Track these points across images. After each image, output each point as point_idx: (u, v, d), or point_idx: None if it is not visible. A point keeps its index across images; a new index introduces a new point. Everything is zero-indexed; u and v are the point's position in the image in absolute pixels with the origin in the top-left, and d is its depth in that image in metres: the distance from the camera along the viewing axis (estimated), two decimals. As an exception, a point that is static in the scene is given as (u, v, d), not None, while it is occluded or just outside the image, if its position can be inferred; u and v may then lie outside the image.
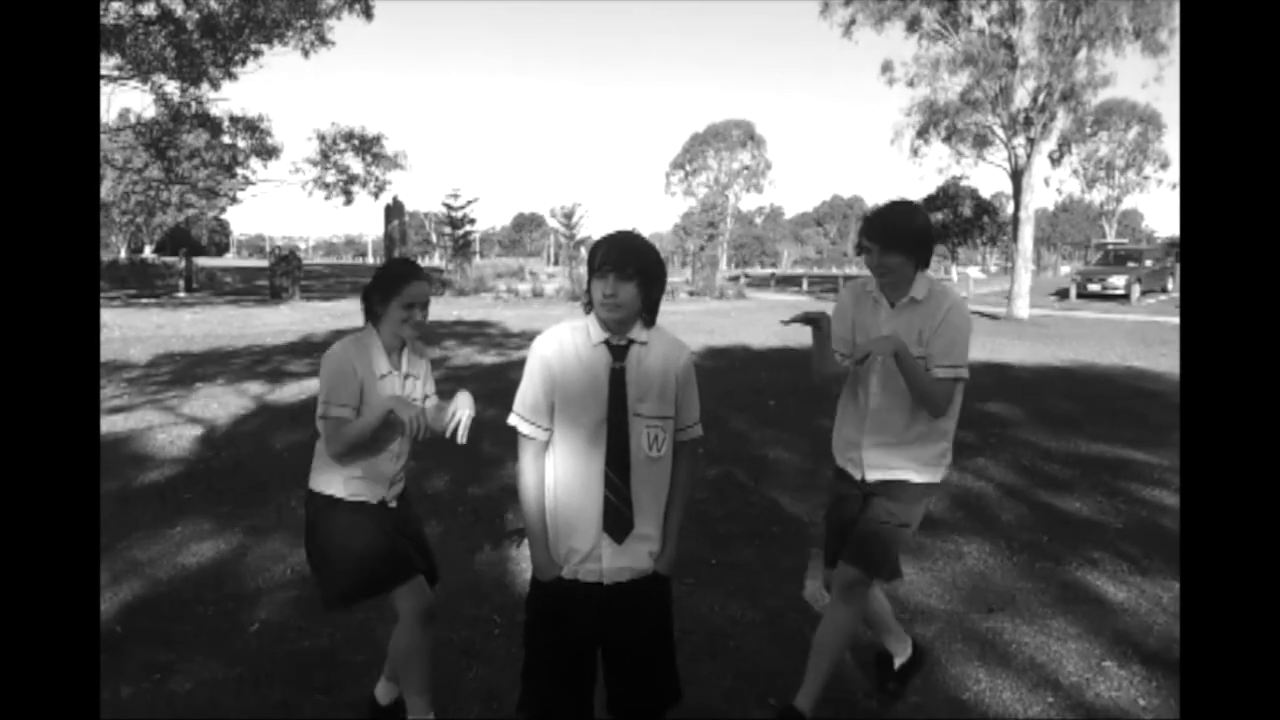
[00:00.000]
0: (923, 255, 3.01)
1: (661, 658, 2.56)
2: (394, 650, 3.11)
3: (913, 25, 24.69)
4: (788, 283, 45.36)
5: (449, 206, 42.23)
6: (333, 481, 3.05)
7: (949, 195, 49.17)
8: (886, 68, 25.63)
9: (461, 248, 41.98)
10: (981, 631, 4.08)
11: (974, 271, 49.40)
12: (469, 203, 42.38)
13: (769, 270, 74.47)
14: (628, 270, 2.35)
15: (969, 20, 23.89)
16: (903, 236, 2.96)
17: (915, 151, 26.98)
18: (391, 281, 2.96)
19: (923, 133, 26.22)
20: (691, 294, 32.17)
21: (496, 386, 10.50)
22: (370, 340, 2.99)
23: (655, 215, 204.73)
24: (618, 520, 2.43)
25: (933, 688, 3.57)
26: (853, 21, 24.94)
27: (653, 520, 2.48)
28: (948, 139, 26.18)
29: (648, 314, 2.46)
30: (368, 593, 3.07)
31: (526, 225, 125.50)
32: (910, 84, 25.21)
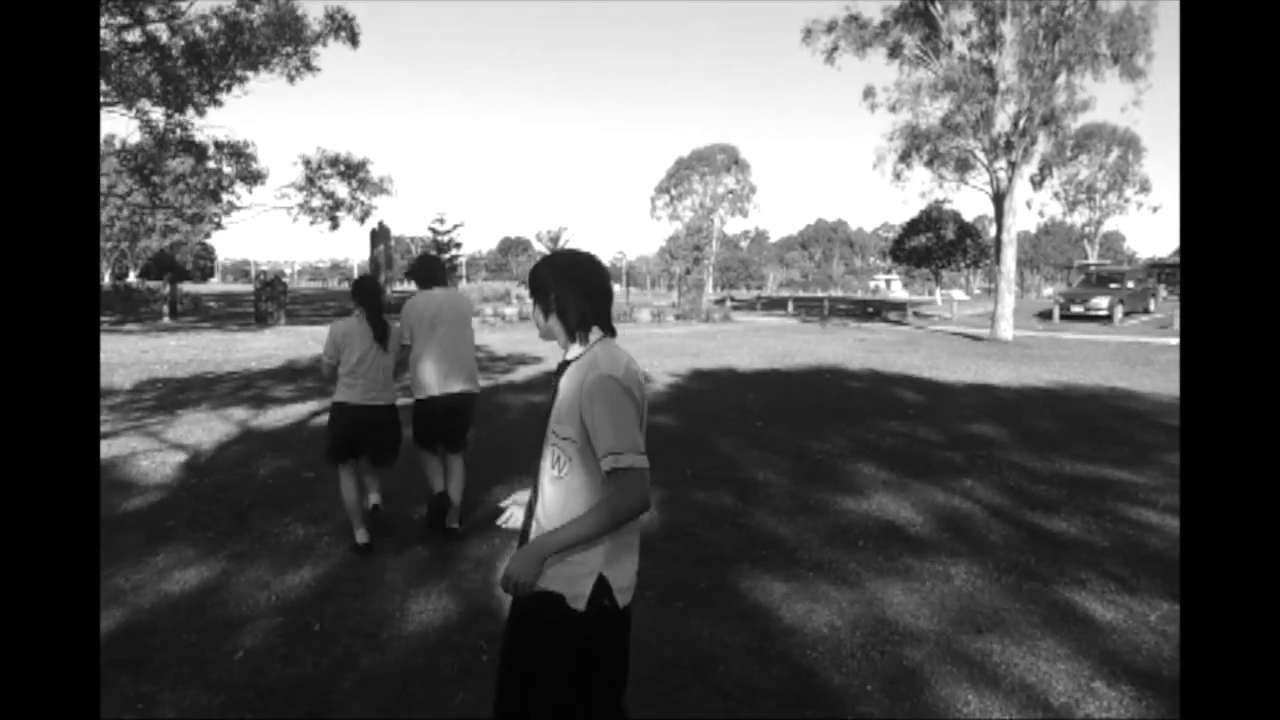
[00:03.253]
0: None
1: (531, 674, 2.38)
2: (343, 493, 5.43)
3: (894, 52, 25.01)
4: (774, 305, 45.54)
5: (435, 231, 42.42)
6: (337, 392, 5.47)
7: (932, 219, 49.62)
8: (869, 93, 25.92)
9: (448, 272, 42.09)
10: (970, 653, 4.07)
11: (957, 294, 49.80)
12: (455, 227, 42.61)
13: (754, 293, 74.80)
14: (531, 289, 2.48)
15: (950, 46, 24.21)
16: None
17: (898, 175, 27.22)
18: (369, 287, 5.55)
19: (905, 157, 26.47)
20: (678, 317, 32.30)
21: (482, 410, 10.47)
22: (361, 317, 5.42)
23: (641, 239, 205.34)
24: (524, 534, 2.47)
25: (922, 709, 3.56)
26: (835, 48, 25.27)
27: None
28: (930, 163, 26.45)
29: (576, 331, 2.40)
30: (340, 456, 5.40)
31: (512, 249, 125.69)
32: (892, 109, 25.50)
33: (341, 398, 5.42)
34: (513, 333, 24.36)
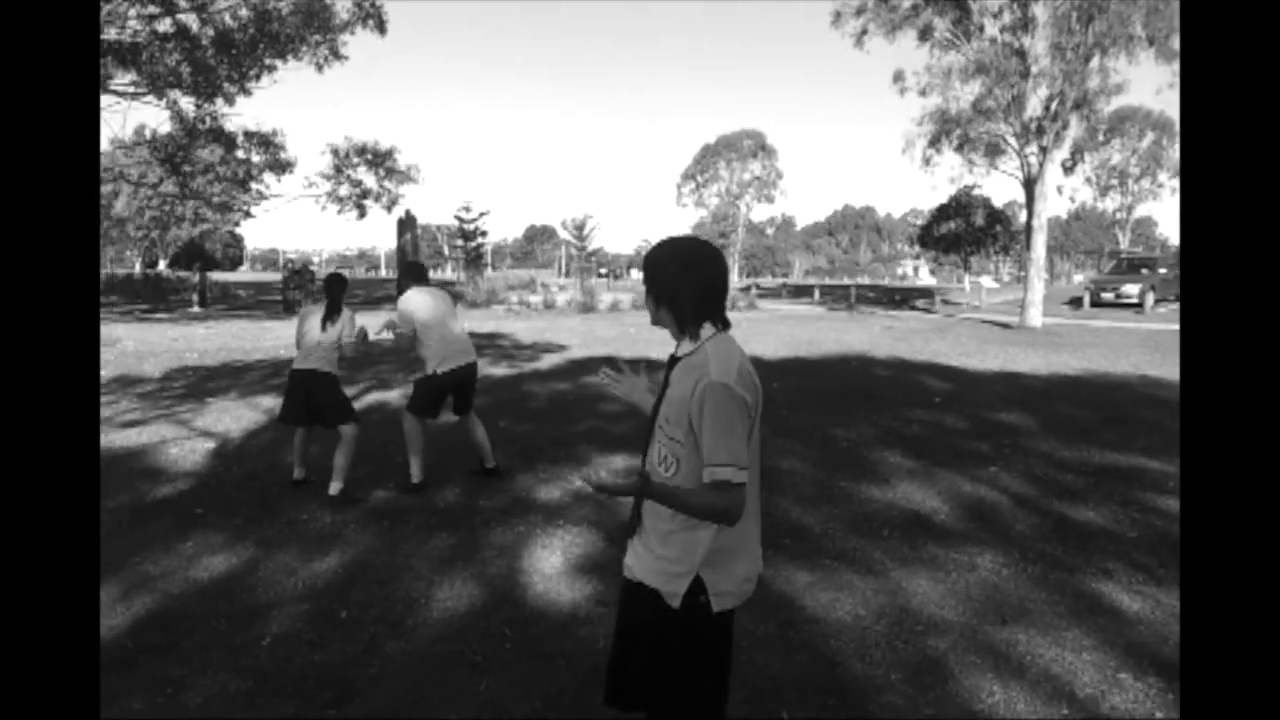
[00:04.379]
0: None
1: (642, 667, 2.44)
2: (339, 454, 6.20)
3: (924, 35, 24.68)
4: (799, 293, 45.31)
5: (461, 219, 42.55)
6: (334, 369, 6.33)
7: (961, 204, 49.09)
8: (898, 77, 25.62)
9: (473, 260, 42.26)
10: (995, 643, 4.05)
11: (987, 281, 49.29)
12: (481, 215, 42.70)
13: (780, 280, 74.42)
14: (645, 277, 2.41)
15: (981, 29, 23.86)
16: None
17: (927, 161, 26.92)
18: (341, 283, 6.46)
19: (935, 142, 26.17)
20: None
21: (507, 398, 10.52)
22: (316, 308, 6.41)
23: (666, 226, 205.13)
24: (632, 519, 2.48)
25: (947, 700, 3.55)
26: (864, 31, 24.96)
27: (655, 537, 2.38)
28: (960, 148, 26.13)
29: (687, 324, 2.34)
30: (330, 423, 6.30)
31: (538, 237, 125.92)
32: (922, 93, 25.18)
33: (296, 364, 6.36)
34: (537, 320, 24.42)
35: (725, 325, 2.36)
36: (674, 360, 2.38)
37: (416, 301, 6.36)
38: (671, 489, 2.27)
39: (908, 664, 3.84)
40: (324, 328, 6.30)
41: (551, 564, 4.99)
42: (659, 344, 17.17)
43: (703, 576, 2.31)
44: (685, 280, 2.31)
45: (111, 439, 8.15)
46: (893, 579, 4.81)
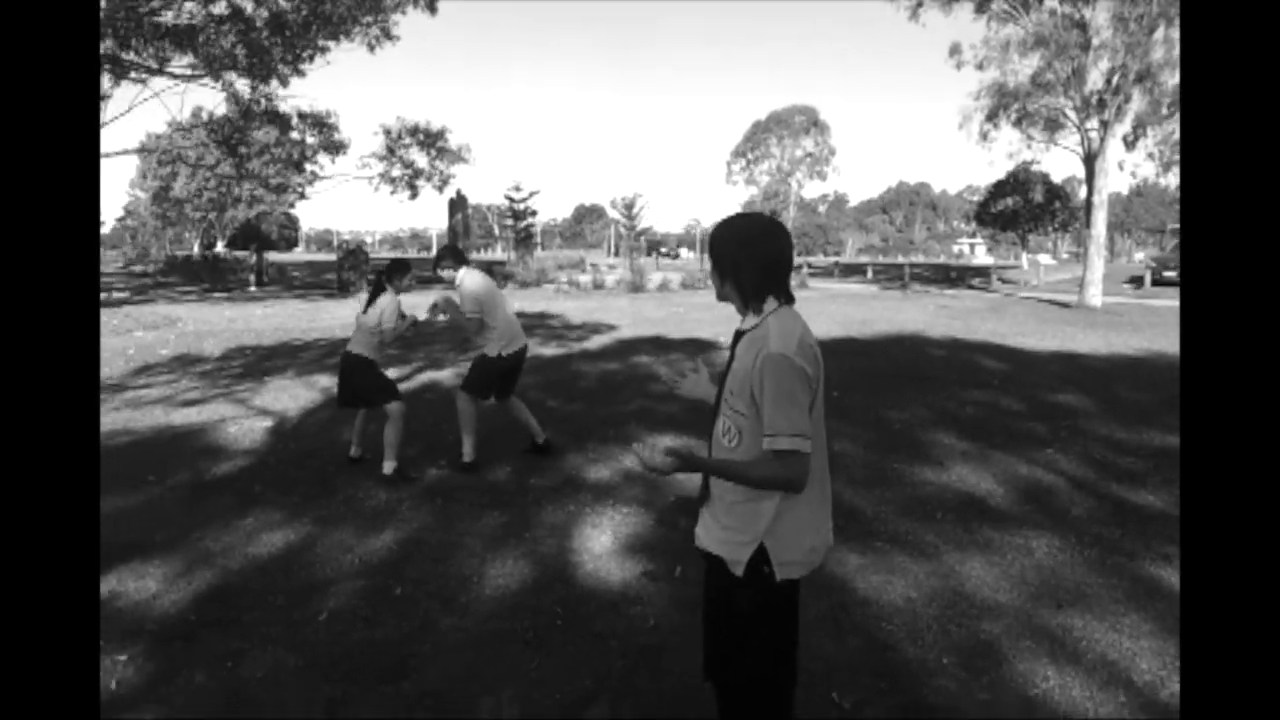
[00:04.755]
0: None
1: (717, 637, 2.53)
2: (387, 432, 6.31)
3: (982, 7, 24.10)
4: (851, 271, 44.80)
5: (511, 199, 42.70)
6: (372, 354, 6.43)
7: (1019, 180, 48.03)
8: (955, 50, 25.07)
9: (523, 240, 42.45)
10: (1051, 628, 3.99)
11: (1045, 258, 48.29)
12: (530, 195, 42.80)
13: (832, 259, 73.64)
14: (709, 254, 2.47)
15: (1040, 0, 23.24)
16: None
17: (984, 136, 26.34)
18: (399, 271, 6.49)
19: (992, 117, 25.59)
20: (753, 284, 32.00)
21: (557, 378, 10.59)
22: (396, 297, 6.40)
23: (716, 204, 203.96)
24: (702, 489, 2.54)
25: (1001, 685, 3.51)
26: (920, 4, 24.46)
27: (720, 507, 2.44)
28: (1018, 123, 25.52)
29: (751, 299, 2.39)
30: (373, 403, 6.47)
31: (587, 217, 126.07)
32: (979, 67, 24.61)
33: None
34: (586, 300, 24.49)
35: (789, 299, 2.39)
36: (739, 334, 2.44)
37: (480, 283, 6.43)
38: (727, 462, 2.33)
39: (961, 648, 3.81)
40: (365, 310, 6.43)
41: (602, 543, 5.03)
42: (708, 324, 17.13)
43: (767, 546, 2.35)
44: (747, 256, 2.36)
45: (172, 417, 8.37)
46: (946, 562, 4.76)
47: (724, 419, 2.39)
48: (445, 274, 6.49)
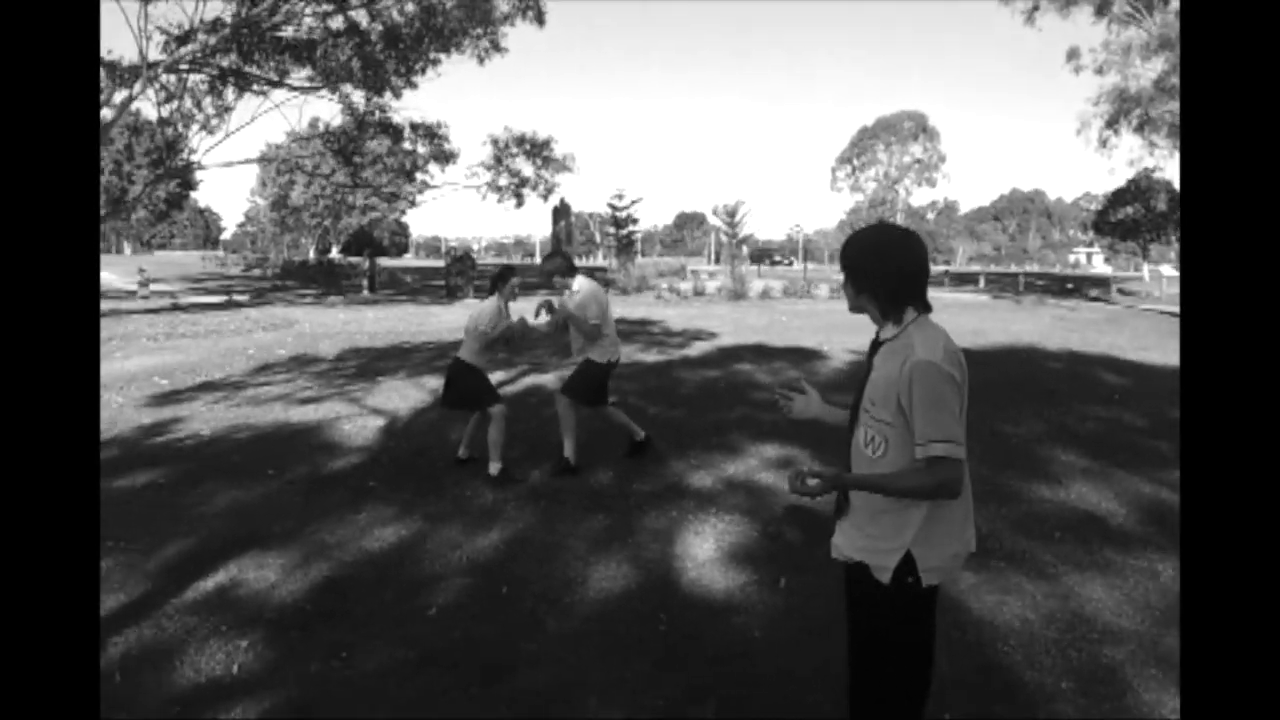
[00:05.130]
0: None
1: (856, 644, 2.50)
2: (490, 434, 6.43)
3: (1102, 9, 23.25)
4: (962, 281, 43.63)
5: (613, 207, 43.19)
6: (473, 359, 6.58)
7: (1140, 189, 46.08)
8: (1073, 55, 24.29)
9: (625, 247, 42.85)
10: (1177, 655, 3.78)
11: (1167, 269, 46.12)
12: (633, 203, 43.20)
13: (942, 267, 71.84)
14: (842, 265, 2.46)
15: (1165, 1, 22.25)
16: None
17: (1104, 143, 25.42)
18: (502, 277, 6.69)
19: (1112, 123, 24.66)
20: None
21: (658, 385, 10.62)
22: (499, 302, 6.59)
23: (820, 213, 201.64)
24: (839, 501, 2.52)
25: (1123, 713, 3.35)
26: (1036, 7, 23.76)
27: (865, 515, 2.41)
28: (1139, 129, 24.52)
29: (888, 309, 2.37)
30: (475, 406, 6.70)
31: (688, 224, 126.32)
32: (1099, 71, 23.78)
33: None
34: (687, 308, 24.52)
35: (927, 308, 2.37)
36: (876, 344, 2.42)
37: (600, 291, 6.56)
38: (877, 477, 2.32)
39: (1080, 672, 3.64)
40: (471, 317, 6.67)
41: (705, 551, 5.01)
42: (810, 332, 16.93)
43: (913, 553, 2.33)
44: (883, 267, 2.35)
45: (290, 414, 8.71)
46: (1065, 583, 4.57)
47: (865, 429, 2.37)
48: (560, 282, 6.57)
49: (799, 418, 2.87)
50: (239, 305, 25.04)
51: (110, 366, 11.95)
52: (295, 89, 23.38)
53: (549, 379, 10.85)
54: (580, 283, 6.54)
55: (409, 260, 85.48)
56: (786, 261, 75.01)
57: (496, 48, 24.70)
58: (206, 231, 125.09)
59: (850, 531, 2.46)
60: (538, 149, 31.07)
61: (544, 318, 6.67)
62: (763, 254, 73.41)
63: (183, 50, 19.91)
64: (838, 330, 17.22)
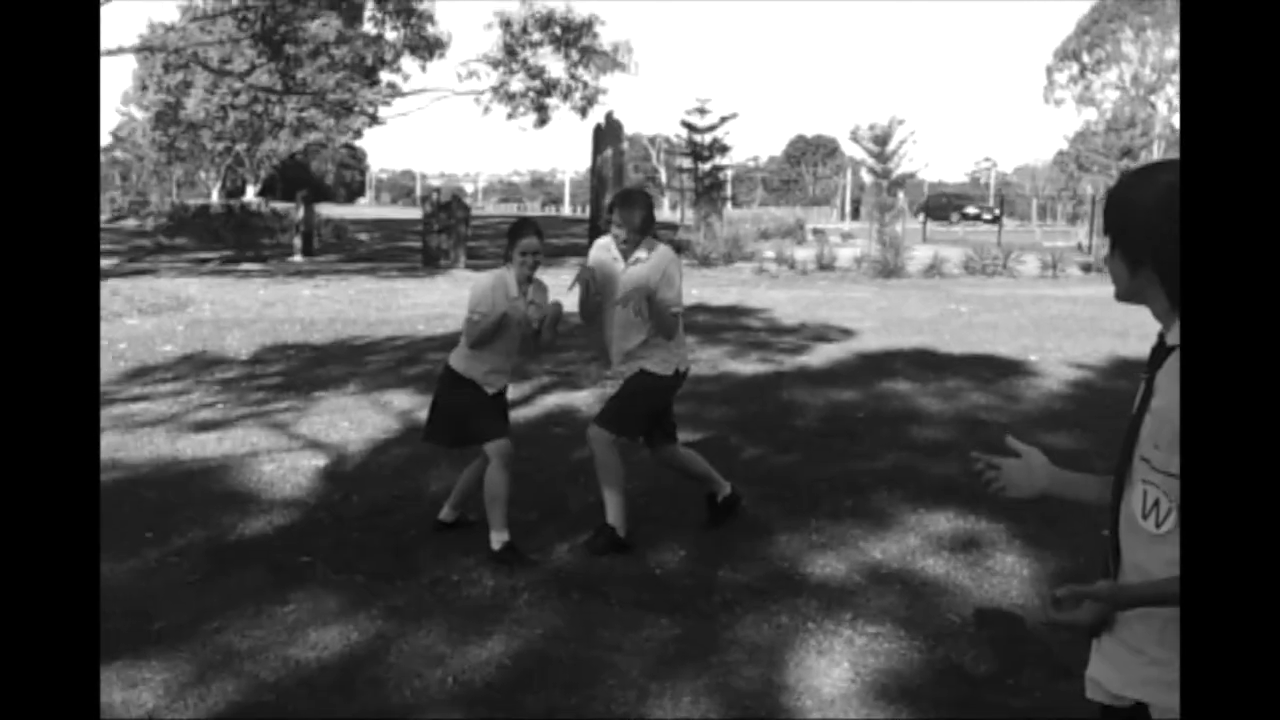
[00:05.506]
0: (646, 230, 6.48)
1: None
2: (486, 485, 6.46)
3: None
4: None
5: (691, 127, 43.01)
6: (465, 366, 6.65)
7: None
8: None
9: (707, 190, 42.58)
10: None
11: None
12: (722, 119, 43.01)
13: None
14: (1106, 230, 2.38)
15: None
16: None
17: None
18: (512, 235, 6.65)
19: None
20: (1087, 268, 30.74)
21: (759, 412, 10.57)
22: (507, 275, 6.61)
23: (1025, 137, 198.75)
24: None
25: None
26: None
27: (1146, 630, 2.33)
28: None
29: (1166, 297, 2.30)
30: (464, 440, 6.81)
31: (809, 155, 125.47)
32: None
33: (478, 379, 6.68)
34: (806, 288, 24.41)
35: None
36: (1160, 353, 2.35)
37: (677, 260, 6.60)
38: (1177, 583, 2.14)
39: None
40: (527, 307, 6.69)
41: (834, 680, 4.98)
42: (1009, 331, 16.72)
43: None
44: (1145, 228, 2.28)
45: (180, 446, 8.84)
46: None
47: (1141, 488, 2.32)
48: (626, 249, 6.42)
49: (1019, 496, 2.75)
50: (103, 273, 25.55)
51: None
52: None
53: (582, 398, 10.87)
54: (661, 252, 6.48)
55: (365, 208, 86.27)
56: (989, 215, 73.33)
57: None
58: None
59: (1124, 657, 2.38)
60: (573, 35, 31.10)
61: (575, 293, 6.56)
62: (947, 204, 72.27)
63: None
64: (1054, 330, 16.92)
